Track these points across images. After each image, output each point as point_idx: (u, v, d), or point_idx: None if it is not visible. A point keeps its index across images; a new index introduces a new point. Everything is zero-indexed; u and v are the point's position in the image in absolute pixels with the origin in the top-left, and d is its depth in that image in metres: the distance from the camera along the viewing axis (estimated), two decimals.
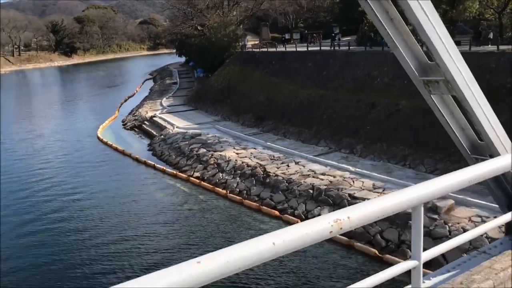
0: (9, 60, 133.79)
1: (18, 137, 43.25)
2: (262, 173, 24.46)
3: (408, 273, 2.68)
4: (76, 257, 18.19)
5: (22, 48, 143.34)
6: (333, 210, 2.24)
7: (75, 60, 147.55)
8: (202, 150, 29.55)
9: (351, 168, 23.26)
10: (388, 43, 3.62)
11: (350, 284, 2.37)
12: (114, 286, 1.56)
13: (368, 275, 2.47)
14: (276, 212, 21.11)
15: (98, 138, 39.26)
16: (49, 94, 79.18)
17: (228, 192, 23.99)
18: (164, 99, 52.95)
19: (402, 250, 16.37)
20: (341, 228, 2.09)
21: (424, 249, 2.67)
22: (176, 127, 36.58)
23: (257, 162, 25.97)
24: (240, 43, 56.61)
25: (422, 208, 2.58)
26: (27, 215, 22.98)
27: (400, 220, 17.04)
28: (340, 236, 17.62)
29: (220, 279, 1.76)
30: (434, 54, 3.47)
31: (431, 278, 3.21)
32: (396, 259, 15.22)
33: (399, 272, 2.52)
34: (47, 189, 26.91)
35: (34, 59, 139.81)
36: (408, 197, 2.44)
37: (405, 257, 14.18)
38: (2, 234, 20.61)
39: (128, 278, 1.63)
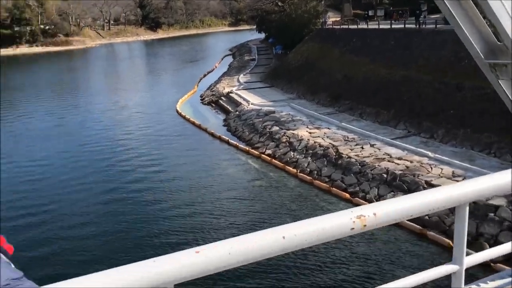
0: (99, 34, 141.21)
1: (104, 107, 45.71)
2: (334, 154, 23.93)
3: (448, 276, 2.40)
4: (151, 227, 18.95)
5: (111, 22, 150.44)
6: None
7: (160, 34, 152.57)
8: (275, 128, 29.45)
9: (430, 153, 22.05)
10: (450, 22, 3.15)
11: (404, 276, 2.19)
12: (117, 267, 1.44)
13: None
14: (347, 195, 20.61)
15: (177, 111, 40.46)
16: (134, 67, 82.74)
17: (298, 171, 23.78)
18: (242, 75, 53.32)
19: (479, 243, 15.33)
20: (364, 226, 1.84)
21: (468, 253, 2.38)
22: (251, 104, 36.73)
23: (330, 143, 25.43)
24: (321, 20, 55.34)
25: (468, 208, 2.26)
26: (110, 183, 24.27)
27: (479, 211, 15.95)
28: (413, 224, 16.89)
29: (222, 270, 1.62)
30: (502, 34, 2.96)
31: (473, 285, 2.83)
32: (470, 251, 14.29)
33: (438, 276, 2.28)
34: (127, 159, 28.23)
35: (122, 33, 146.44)
36: (451, 194, 2.10)
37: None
38: (87, 200, 21.99)
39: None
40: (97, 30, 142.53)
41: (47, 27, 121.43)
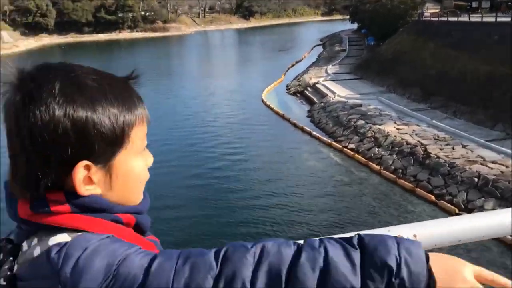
0: (195, 21, 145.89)
1: (194, 93, 47.27)
2: (422, 153, 22.72)
3: None
4: (227, 216, 19.23)
5: (207, 10, 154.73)
6: (500, 204, 1.62)
7: (252, 23, 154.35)
8: (361, 122, 28.57)
9: None
10: None
11: None
12: None
13: None
14: (432, 197, 19.49)
15: (262, 100, 40.71)
16: (225, 54, 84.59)
17: (382, 168, 22.89)
18: (330, 66, 52.38)
19: None
20: None
21: None
22: (337, 96, 35.95)
23: (418, 141, 24.18)
24: (418, 11, 52.70)
25: None
26: (193, 168, 25.00)
27: None
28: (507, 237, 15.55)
29: None
30: None
31: None
32: None
33: None
34: (211, 146, 28.94)
35: (216, 21, 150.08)
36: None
37: None
38: (171, 183, 22.80)
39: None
40: (193, 18, 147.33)
41: (147, 14, 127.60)
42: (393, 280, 0.92)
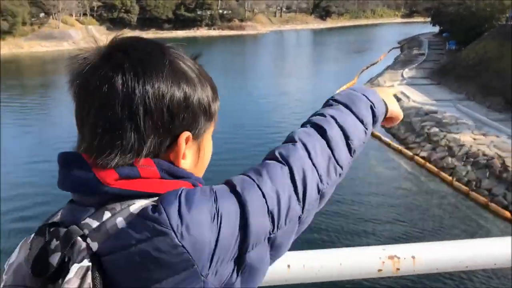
0: (270, 20, 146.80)
1: (266, 91, 47.60)
2: (499, 165, 21.36)
3: None
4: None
5: (284, 9, 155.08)
6: None
7: (329, 23, 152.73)
8: (435, 129, 27.36)
9: None
10: None
11: None
12: None
13: None
14: (507, 213, 18.27)
15: None
16: (300, 55, 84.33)
17: (454, 179, 21.78)
18: (406, 70, 50.62)
19: None
20: (397, 270, 1.46)
21: None
22: (412, 101, 34.68)
23: (496, 152, 22.75)
24: (506, 15, 49.59)
25: None
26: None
27: None
28: None
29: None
30: None
31: None
32: None
33: None
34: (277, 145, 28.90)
35: (292, 21, 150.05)
36: None
37: None
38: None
39: None
40: (269, 17, 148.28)
41: (224, 12, 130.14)
42: (375, 111, 1.38)
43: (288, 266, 1.43)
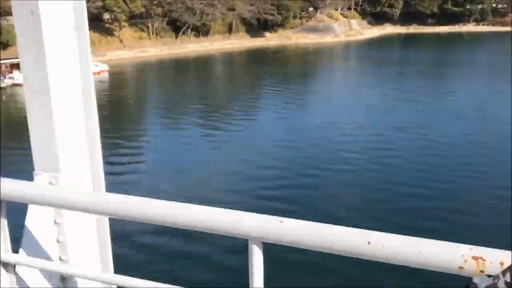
0: None
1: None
2: None
3: None
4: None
5: None
6: None
7: None
8: None
9: None
10: None
11: None
12: None
13: None
14: None
15: None
16: None
17: None
18: None
19: None
20: (481, 272, 1.38)
21: None
22: None
23: None
24: None
25: None
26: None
27: None
28: None
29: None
30: None
31: None
32: None
33: None
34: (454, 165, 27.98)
35: None
36: None
37: None
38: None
39: None
40: None
41: (499, 6, 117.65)
42: None
43: (369, 242, 1.50)
